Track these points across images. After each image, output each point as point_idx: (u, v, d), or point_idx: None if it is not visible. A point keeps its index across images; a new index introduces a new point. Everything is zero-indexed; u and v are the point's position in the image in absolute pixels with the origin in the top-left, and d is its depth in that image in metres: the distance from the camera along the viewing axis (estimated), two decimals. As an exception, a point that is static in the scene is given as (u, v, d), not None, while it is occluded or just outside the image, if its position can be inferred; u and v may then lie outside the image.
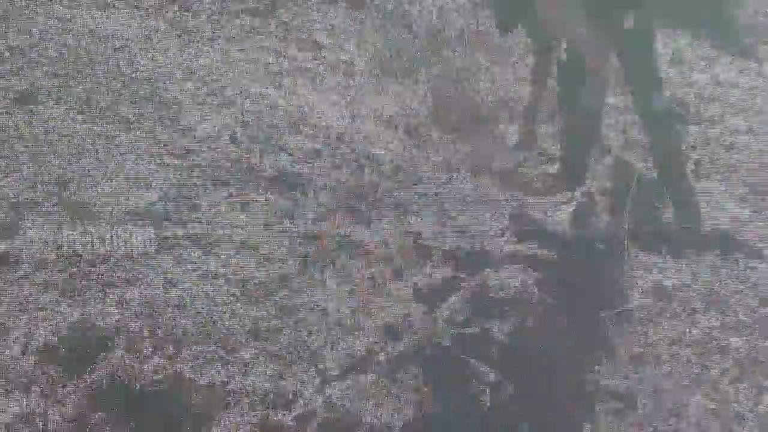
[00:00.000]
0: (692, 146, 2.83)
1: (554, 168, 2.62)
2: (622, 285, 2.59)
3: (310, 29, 2.15)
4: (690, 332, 2.62)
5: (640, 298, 2.61)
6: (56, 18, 1.78)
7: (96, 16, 1.81)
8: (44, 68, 1.73)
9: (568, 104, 2.64)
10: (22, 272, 1.69)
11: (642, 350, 2.53)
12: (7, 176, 1.68)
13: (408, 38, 2.34)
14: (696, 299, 2.66)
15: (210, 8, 1.98)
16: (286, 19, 2.14)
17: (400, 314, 2.20)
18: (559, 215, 2.56)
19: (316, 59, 2.16)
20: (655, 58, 2.82)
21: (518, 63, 2.59)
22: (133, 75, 1.85)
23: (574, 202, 2.59)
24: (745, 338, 2.54)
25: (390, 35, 2.29)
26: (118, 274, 1.80)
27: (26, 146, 1.71)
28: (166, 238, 1.89)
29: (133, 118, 1.85)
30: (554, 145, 2.63)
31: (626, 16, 2.73)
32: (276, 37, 2.09)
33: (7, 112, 1.68)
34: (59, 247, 1.73)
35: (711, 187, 2.81)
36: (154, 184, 1.88)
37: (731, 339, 2.61)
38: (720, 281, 2.69)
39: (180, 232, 1.90)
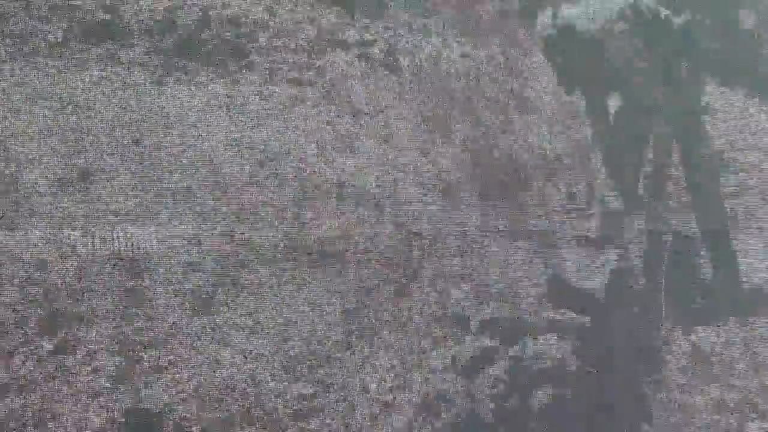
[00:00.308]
0: (728, 198, 2.81)
1: (591, 230, 2.61)
2: (659, 349, 2.57)
3: (349, 95, 2.16)
4: (729, 395, 2.59)
5: (678, 362, 2.58)
6: (109, 93, 1.80)
7: (149, 90, 1.83)
8: (100, 146, 1.75)
9: (613, 162, 2.63)
10: (78, 359, 1.69)
11: (681, 415, 2.50)
12: (63, 257, 1.69)
13: (444, 100, 2.34)
14: (735, 361, 2.63)
15: (257, 80, 2.00)
16: (326, 86, 2.15)
17: (439, 388, 2.19)
18: (596, 278, 2.55)
19: (355, 125, 2.16)
20: (700, 110, 2.81)
21: (558, 121, 2.59)
22: (183, 150, 1.86)
23: (611, 265, 2.57)
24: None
25: (426, 98, 2.30)
26: (167, 358, 1.80)
27: (83, 221, 1.72)
28: (213, 318, 1.90)
29: (181, 192, 1.86)
30: (592, 205, 2.62)
31: (680, 66, 2.73)
32: (318, 105, 2.10)
33: (63, 192, 1.69)
34: (116, 334, 1.74)
35: (748, 242, 2.78)
36: (202, 262, 1.89)
37: (770, 402, 2.59)
38: (760, 341, 2.66)
39: (226, 312, 1.90)
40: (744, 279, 2.73)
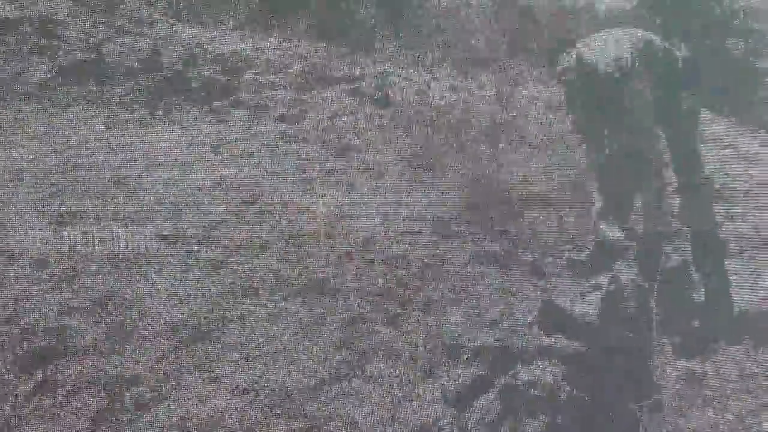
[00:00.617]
0: (720, 223, 2.82)
1: (583, 255, 2.60)
2: (652, 373, 2.56)
3: (340, 132, 2.15)
4: (723, 417, 2.58)
5: (671, 386, 2.57)
6: (95, 136, 1.77)
7: (133, 132, 1.80)
8: (83, 187, 1.72)
9: (607, 190, 2.63)
10: (58, 399, 1.66)
11: (676, 441, 2.49)
12: (51, 294, 1.66)
13: (435, 133, 2.34)
14: (727, 383, 2.62)
15: (244, 118, 1.98)
16: (315, 122, 2.13)
17: (430, 418, 2.16)
18: (588, 303, 2.54)
19: (345, 162, 2.15)
20: (697, 138, 2.83)
21: (550, 152, 2.58)
22: (167, 190, 1.84)
23: (603, 290, 2.56)
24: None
25: (417, 131, 2.29)
26: (151, 394, 1.77)
27: (72, 264, 1.70)
28: (198, 351, 1.87)
29: (168, 232, 1.84)
30: (584, 231, 2.61)
31: (683, 95, 2.75)
32: (306, 141, 2.08)
33: (53, 232, 1.67)
34: (98, 371, 1.70)
35: (739, 266, 2.78)
36: (188, 296, 1.86)
37: (764, 424, 2.58)
38: (751, 363, 2.65)
39: (213, 345, 1.88)
40: (735, 301, 2.73)
